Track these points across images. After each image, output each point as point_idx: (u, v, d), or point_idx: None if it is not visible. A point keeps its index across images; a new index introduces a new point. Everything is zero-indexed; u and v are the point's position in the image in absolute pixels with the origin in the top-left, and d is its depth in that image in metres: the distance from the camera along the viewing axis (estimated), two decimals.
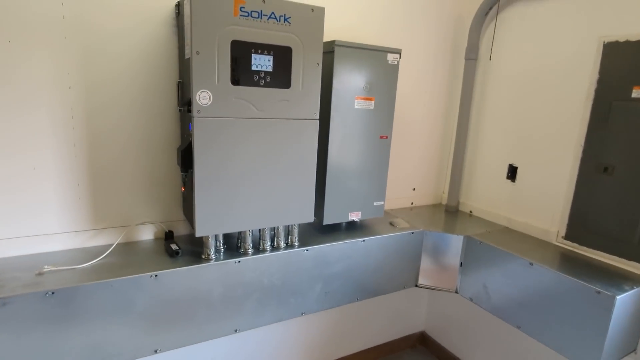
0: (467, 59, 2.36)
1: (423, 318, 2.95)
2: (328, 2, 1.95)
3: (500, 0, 2.19)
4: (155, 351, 1.53)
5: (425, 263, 2.17)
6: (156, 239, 1.78)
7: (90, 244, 1.65)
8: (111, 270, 1.46)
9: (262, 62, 1.47)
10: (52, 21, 1.42)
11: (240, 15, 1.39)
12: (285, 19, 1.47)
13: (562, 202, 1.98)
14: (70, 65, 1.48)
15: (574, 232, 1.94)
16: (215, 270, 1.58)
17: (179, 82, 1.63)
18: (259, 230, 1.70)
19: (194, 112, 1.39)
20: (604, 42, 1.77)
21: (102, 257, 1.54)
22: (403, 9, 2.21)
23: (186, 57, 1.46)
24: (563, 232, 1.98)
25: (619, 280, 1.63)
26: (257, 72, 1.47)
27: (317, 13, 1.53)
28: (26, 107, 1.44)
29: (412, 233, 2.09)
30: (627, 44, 1.70)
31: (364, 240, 1.93)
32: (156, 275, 1.47)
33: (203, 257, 1.60)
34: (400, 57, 1.87)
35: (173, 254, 1.59)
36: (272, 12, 1.44)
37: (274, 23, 1.45)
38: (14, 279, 1.35)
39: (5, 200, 1.47)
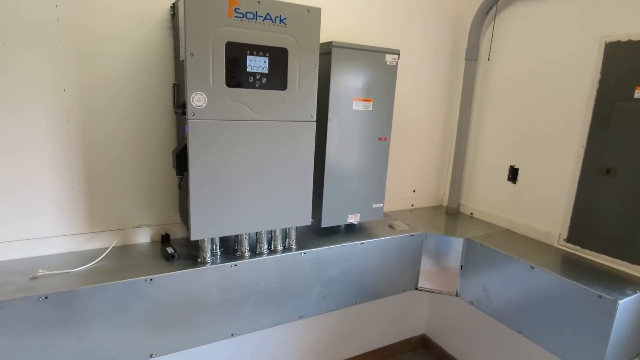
0: (467, 59, 2.34)
1: (424, 321, 2.92)
2: (326, 2, 1.94)
3: (500, 0, 2.17)
4: (151, 356, 1.51)
5: (425, 266, 2.15)
6: (153, 242, 1.76)
7: (86, 247, 1.64)
8: (106, 274, 1.45)
9: (257, 64, 1.45)
10: (46, 23, 1.41)
11: (235, 16, 1.38)
12: (280, 20, 1.45)
13: (564, 204, 1.95)
14: (65, 67, 1.47)
15: (576, 234, 1.91)
16: (211, 274, 1.56)
17: (174, 84, 1.62)
18: (256, 233, 1.69)
19: (189, 115, 1.37)
20: (606, 41, 1.74)
21: (97, 260, 1.53)
22: (402, 9, 2.19)
23: (181, 59, 1.45)
24: (565, 235, 1.95)
25: (622, 284, 1.60)
26: (253, 74, 1.45)
27: (314, 14, 1.51)
28: (20, 110, 1.43)
29: (412, 235, 2.07)
30: (630, 43, 1.67)
31: (362, 243, 1.91)
32: (151, 279, 1.45)
33: (199, 260, 1.59)
34: (398, 58, 1.85)
35: (169, 258, 1.58)
36: (268, 13, 1.43)
37: (270, 24, 1.44)
38: (7, 283, 1.34)
39: None
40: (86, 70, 1.51)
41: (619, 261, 1.75)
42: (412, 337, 2.89)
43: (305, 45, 1.52)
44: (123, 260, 1.58)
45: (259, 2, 1.40)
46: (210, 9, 1.33)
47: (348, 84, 1.77)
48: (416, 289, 2.17)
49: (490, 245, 1.96)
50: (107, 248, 1.62)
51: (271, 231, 1.72)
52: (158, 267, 1.52)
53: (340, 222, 1.94)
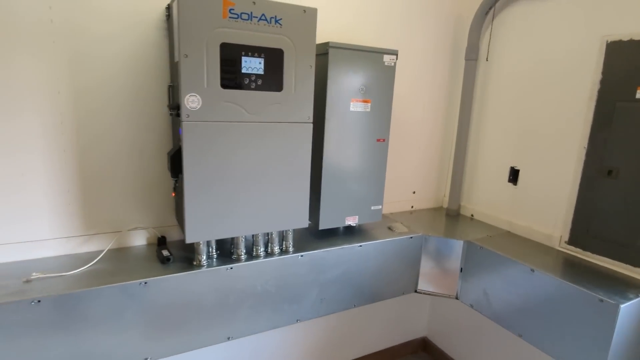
0: (467, 59, 2.31)
1: (425, 323, 2.89)
2: (323, 2, 1.92)
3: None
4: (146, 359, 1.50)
5: (425, 268, 2.12)
6: (149, 244, 1.75)
7: (82, 250, 1.63)
8: (100, 277, 1.44)
9: (252, 65, 1.44)
10: (40, 25, 1.40)
11: (230, 17, 1.36)
12: (276, 21, 1.44)
13: (565, 206, 1.92)
14: (59, 69, 1.46)
15: (577, 237, 1.88)
16: (207, 277, 1.55)
17: (169, 85, 1.61)
18: (253, 235, 1.67)
19: (183, 117, 1.36)
20: (607, 41, 1.72)
21: (91, 263, 1.52)
22: (401, 9, 2.17)
23: (175, 60, 1.44)
24: (566, 237, 1.92)
25: (624, 287, 1.57)
26: (248, 75, 1.44)
27: (310, 14, 1.50)
28: (14, 113, 1.42)
29: (411, 238, 2.05)
30: (631, 43, 1.65)
31: (360, 246, 1.89)
32: (145, 283, 1.44)
33: (195, 263, 1.57)
34: (397, 59, 1.83)
35: (164, 261, 1.57)
36: (263, 14, 1.41)
37: (265, 25, 1.42)
38: (0, 287, 1.33)
39: None
40: (81, 72, 1.50)
41: (621, 264, 1.72)
42: (413, 340, 2.86)
43: (302, 46, 1.51)
44: (118, 263, 1.57)
45: (254, 2, 1.39)
46: (204, 10, 1.32)
47: (346, 85, 1.75)
48: (416, 291, 2.15)
49: (490, 247, 1.93)
50: (102, 251, 1.61)
51: (268, 234, 1.71)
52: (153, 270, 1.51)
53: (339, 224, 1.92)
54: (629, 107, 1.66)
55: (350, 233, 2.01)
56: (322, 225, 1.87)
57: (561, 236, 1.95)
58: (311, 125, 1.60)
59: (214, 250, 1.64)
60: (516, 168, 2.17)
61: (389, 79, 1.85)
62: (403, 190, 2.47)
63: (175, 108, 1.45)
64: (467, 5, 2.33)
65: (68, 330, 1.35)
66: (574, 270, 1.73)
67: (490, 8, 2.19)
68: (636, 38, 1.63)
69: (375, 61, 1.80)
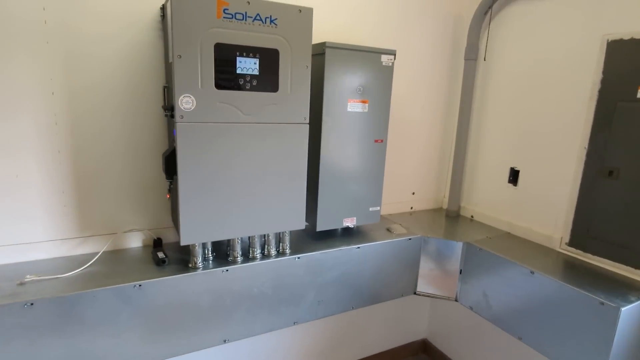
0: (466, 59, 2.29)
1: (425, 325, 2.87)
2: (321, 2, 1.91)
3: None
4: None
5: (424, 270, 2.10)
6: (145, 246, 1.74)
7: (77, 252, 1.62)
8: (95, 280, 1.43)
9: (247, 65, 1.42)
10: (33, 26, 1.39)
11: (224, 17, 1.35)
12: (271, 21, 1.43)
13: (566, 207, 1.90)
14: (53, 70, 1.45)
15: (578, 238, 1.86)
16: (202, 280, 1.53)
17: (164, 86, 1.59)
18: (249, 237, 1.66)
19: (177, 118, 1.35)
20: (608, 40, 1.69)
21: (86, 265, 1.50)
22: (399, 8, 2.15)
23: (169, 61, 1.42)
24: (567, 239, 1.90)
25: (625, 290, 1.55)
26: (243, 76, 1.42)
27: (305, 14, 1.48)
28: (7, 114, 1.41)
29: (410, 239, 2.03)
30: (632, 42, 1.62)
31: (358, 247, 1.87)
32: (140, 285, 1.43)
33: (190, 265, 1.56)
34: (394, 59, 1.82)
35: (159, 263, 1.55)
36: (258, 14, 1.40)
37: (260, 25, 1.41)
38: None
39: None
40: (75, 73, 1.49)
41: (622, 266, 1.70)
42: (413, 342, 2.84)
43: (297, 46, 1.49)
44: (113, 265, 1.55)
45: (249, 2, 1.37)
46: (197, 10, 1.30)
47: (343, 85, 1.73)
48: (415, 293, 2.13)
49: (489, 249, 1.91)
50: (97, 253, 1.60)
51: (265, 235, 1.69)
52: (148, 273, 1.49)
53: (336, 226, 1.90)
54: (630, 107, 1.63)
55: (348, 235, 1.99)
56: (320, 227, 1.85)
57: (561, 237, 1.92)
58: (307, 126, 1.58)
59: (210, 252, 1.63)
60: (516, 169, 2.15)
61: (386, 79, 1.84)
62: (402, 191, 2.45)
63: (169, 109, 1.44)
64: (466, 4, 2.31)
65: (62, 334, 1.34)
66: (574, 272, 1.71)
67: (489, 7, 2.17)
68: (637, 37, 1.60)
69: (373, 61, 1.78)
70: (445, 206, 2.59)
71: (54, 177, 1.53)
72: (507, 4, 2.13)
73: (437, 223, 2.34)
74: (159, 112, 1.65)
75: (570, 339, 1.56)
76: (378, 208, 1.98)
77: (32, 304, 1.28)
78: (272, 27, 1.43)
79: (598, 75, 1.73)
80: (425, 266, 2.10)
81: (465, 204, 2.47)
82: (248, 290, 1.64)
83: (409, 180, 2.46)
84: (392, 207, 2.42)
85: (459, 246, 2.03)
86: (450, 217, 2.46)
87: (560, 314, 1.60)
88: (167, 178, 1.50)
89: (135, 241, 1.73)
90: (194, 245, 1.54)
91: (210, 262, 1.60)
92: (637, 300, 1.47)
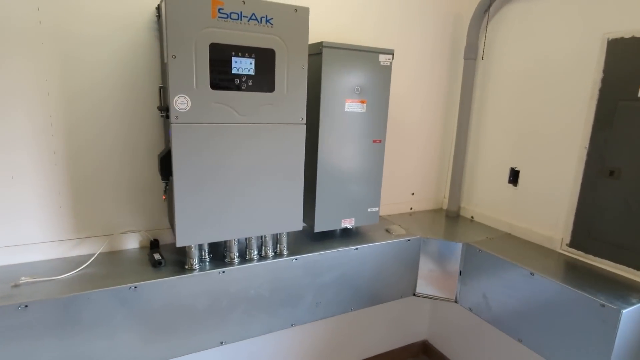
0: (466, 58, 2.28)
1: (425, 326, 2.85)
2: (320, 2, 1.89)
3: None
4: None
5: (424, 271, 2.09)
6: (141, 247, 1.73)
7: (73, 254, 1.61)
8: (90, 281, 1.42)
9: (243, 65, 1.41)
10: (28, 26, 1.39)
11: (219, 17, 1.34)
12: (267, 20, 1.41)
13: (566, 207, 1.88)
14: (49, 71, 1.45)
15: (579, 239, 1.83)
16: (198, 281, 1.52)
17: (160, 87, 1.59)
18: (246, 239, 1.65)
19: (172, 118, 1.34)
20: (609, 38, 1.67)
21: (82, 267, 1.50)
22: (399, 8, 2.13)
23: (164, 61, 1.42)
24: (568, 240, 1.88)
25: (626, 292, 1.53)
26: (238, 76, 1.41)
27: (301, 13, 1.47)
28: (2, 114, 1.41)
29: (409, 240, 2.01)
30: (633, 40, 1.60)
31: (357, 248, 1.86)
32: (135, 287, 1.42)
33: (186, 267, 1.55)
34: (392, 58, 1.80)
35: (155, 264, 1.54)
36: (253, 13, 1.39)
37: (255, 24, 1.40)
38: None
39: None
40: (71, 73, 1.48)
41: (624, 267, 1.67)
42: (413, 343, 2.82)
43: (293, 46, 1.48)
44: (109, 266, 1.55)
45: (244, 2, 1.36)
46: (192, 10, 1.29)
47: (340, 85, 1.72)
48: (414, 294, 2.11)
49: (489, 250, 1.89)
50: (93, 254, 1.59)
51: (262, 237, 1.68)
52: (144, 274, 1.48)
53: (334, 227, 1.89)
54: (631, 106, 1.61)
55: (346, 236, 1.98)
56: (318, 228, 1.84)
57: (562, 238, 1.90)
58: (304, 126, 1.57)
59: (207, 254, 1.62)
60: (516, 169, 2.13)
61: (385, 79, 1.82)
62: (402, 191, 2.44)
63: (165, 109, 1.43)
64: (466, 3, 2.29)
65: (57, 336, 1.33)
66: (574, 273, 1.69)
67: (489, 6, 2.15)
68: (638, 35, 1.58)
69: (371, 61, 1.76)
70: (445, 207, 2.57)
71: (50, 178, 1.52)
72: (506, 2, 2.11)
73: (436, 224, 2.33)
74: (156, 113, 1.65)
75: (571, 342, 1.54)
76: (377, 209, 1.96)
77: (26, 306, 1.27)
78: (267, 26, 1.42)
79: (598, 74, 1.71)
80: (425, 267, 2.08)
81: (465, 205, 2.45)
82: (245, 291, 1.63)
83: (409, 180, 2.44)
84: (391, 207, 2.40)
85: (458, 247, 2.01)
86: (450, 217, 2.44)
87: (561, 316, 1.58)
88: (162, 179, 1.49)
89: (132, 242, 1.72)
90: (190, 247, 1.53)
91: (207, 263, 1.59)
92: (638, 303, 1.44)
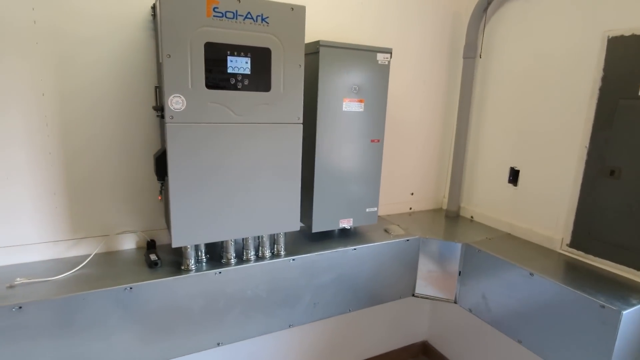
0: (465, 57, 2.26)
1: (425, 327, 2.84)
2: (318, 1, 1.88)
3: None
4: None
5: (423, 272, 2.07)
6: (138, 248, 1.73)
7: (69, 254, 1.61)
8: (86, 282, 1.41)
9: (238, 65, 1.40)
10: (22, 26, 1.38)
11: (214, 15, 1.33)
12: (262, 19, 1.40)
13: (567, 207, 1.86)
14: (44, 71, 1.44)
15: (579, 239, 1.82)
16: (194, 282, 1.51)
17: (156, 86, 1.58)
18: (243, 239, 1.64)
19: (167, 118, 1.33)
20: (609, 36, 1.66)
21: (78, 268, 1.49)
22: (398, 7, 2.12)
23: (160, 60, 1.41)
24: (568, 240, 1.86)
25: (627, 292, 1.51)
26: (234, 75, 1.40)
27: (298, 12, 1.46)
28: None
29: (408, 240, 2.00)
30: (633, 38, 1.58)
31: (355, 249, 1.85)
32: (131, 288, 1.41)
33: (182, 268, 1.54)
34: (390, 57, 1.79)
35: (152, 265, 1.54)
36: (248, 12, 1.37)
37: (251, 23, 1.39)
38: None
39: None
40: (66, 73, 1.48)
41: (624, 267, 1.66)
42: (413, 344, 2.81)
43: (290, 45, 1.47)
44: (105, 267, 1.54)
45: (239, 0, 1.35)
46: (187, 9, 1.28)
47: (337, 85, 1.71)
48: (413, 295, 2.10)
49: (489, 250, 1.87)
50: (89, 255, 1.58)
51: (259, 237, 1.67)
52: (139, 275, 1.48)
53: (332, 227, 1.87)
54: (632, 104, 1.60)
55: (345, 236, 1.97)
56: (316, 228, 1.83)
57: (562, 238, 1.88)
58: (301, 125, 1.56)
59: (204, 254, 1.61)
60: (516, 168, 2.11)
61: (383, 78, 1.81)
62: (401, 191, 2.42)
63: (160, 109, 1.42)
64: (465, 1, 2.28)
65: (51, 337, 1.32)
66: (575, 274, 1.67)
67: (488, 4, 2.14)
68: (638, 33, 1.57)
69: (369, 60, 1.75)
70: (444, 207, 2.56)
71: (45, 179, 1.52)
72: (506, 0, 2.09)
73: (436, 224, 2.31)
74: (152, 113, 1.64)
75: (571, 343, 1.53)
76: (375, 209, 1.95)
77: (20, 307, 1.26)
78: (263, 25, 1.41)
79: (599, 73, 1.69)
80: (424, 268, 2.06)
81: (465, 205, 2.44)
82: (242, 292, 1.62)
83: (408, 180, 2.43)
84: (390, 207, 2.39)
85: (457, 247, 1.99)
86: (450, 217, 2.42)
87: (561, 316, 1.56)
88: (158, 179, 1.48)
89: (128, 243, 1.71)
90: (186, 248, 1.52)
91: (204, 264, 1.58)
92: (638, 304, 1.43)
